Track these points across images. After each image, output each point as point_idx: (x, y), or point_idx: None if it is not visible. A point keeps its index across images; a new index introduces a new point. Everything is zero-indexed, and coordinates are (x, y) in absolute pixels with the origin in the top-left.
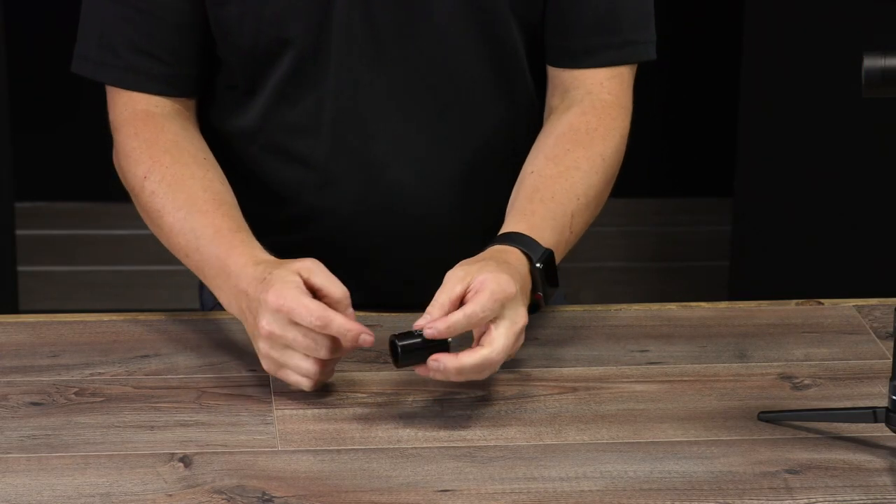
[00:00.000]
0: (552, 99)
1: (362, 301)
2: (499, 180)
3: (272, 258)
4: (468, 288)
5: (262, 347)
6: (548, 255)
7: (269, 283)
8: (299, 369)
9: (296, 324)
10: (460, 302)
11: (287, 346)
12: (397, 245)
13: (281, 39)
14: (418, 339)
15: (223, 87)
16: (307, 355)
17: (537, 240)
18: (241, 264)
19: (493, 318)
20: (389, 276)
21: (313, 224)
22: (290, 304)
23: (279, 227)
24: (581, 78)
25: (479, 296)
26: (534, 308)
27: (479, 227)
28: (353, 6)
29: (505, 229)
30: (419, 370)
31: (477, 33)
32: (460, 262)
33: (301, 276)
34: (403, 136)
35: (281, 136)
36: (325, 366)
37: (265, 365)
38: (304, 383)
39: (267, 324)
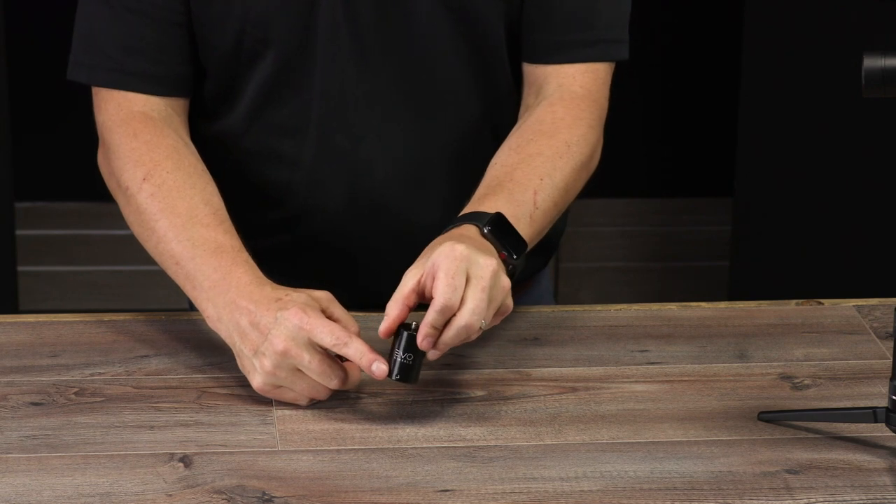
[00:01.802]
0: (527, 97)
1: (352, 301)
2: (483, 176)
3: (274, 283)
4: (423, 276)
5: (266, 365)
6: (495, 217)
7: (289, 303)
8: (303, 391)
9: (313, 347)
10: (420, 293)
11: (296, 369)
12: (386, 244)
13: (265, 40)
14: (405, 356)
15: (207, 88)
16: (316, 382)
17: (486, 211)
18: (245, 282)
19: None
20: (378, 275)
21: (301, 225)
22: (313, 322)
23: (267, 229)
24: (554, 73)
25: (437, 284)
26: (512, 274)
27: None
28: (337, 6)
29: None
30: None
31: (459, 32)
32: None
33: (320, 305)
34: (389, 135)
35: (268, 138)
36: (329, 392)
37: (259, 381)
38: (302, 401)
39: (283, 341)
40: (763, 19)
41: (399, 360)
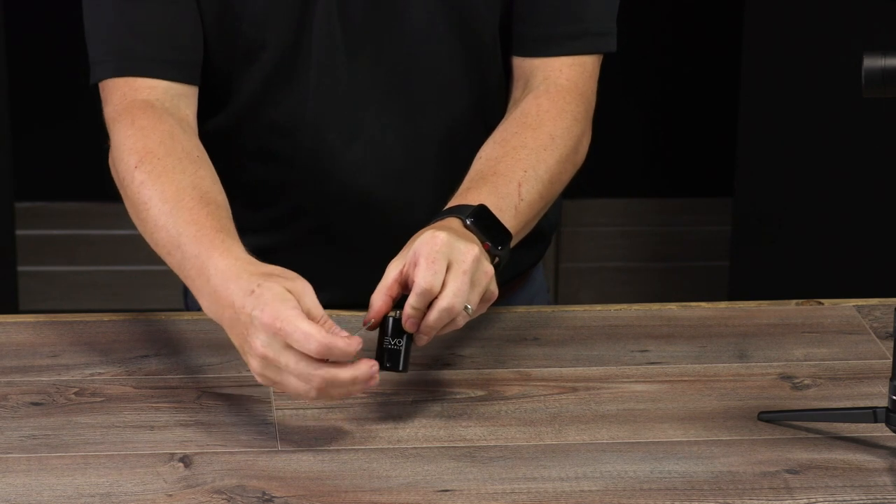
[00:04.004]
0: (515, 91)
1: (346, 300)
2: None
3: (253, 260)
4: (405, 266)
5: (255, 366)
6: (478, 209)
7: (262, 300)
8: (297, 390)
9: (290, 349)
10: (403, 283)
11: (282, 370)
12: (379, 241)
13: (260, 40)
14: (394, 342)
15: (203, 87)
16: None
17: (469, 203)
18: (222, 269)
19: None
20: (372, 272)
21: (294, 223)
22: (288, 327)
23: (261, 227)
24: (541, 66)
25: (417, 269)
26: (497, 265)
27: None
28: (332, 7)
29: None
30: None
31: (453, 29)
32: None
33: (293, 295)
34: (382, 132)
35: (263, 136)
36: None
37: (259, 379)
38: (305, 397)
39: (262, 346)
40: (763, 19)
41: (388, 346)
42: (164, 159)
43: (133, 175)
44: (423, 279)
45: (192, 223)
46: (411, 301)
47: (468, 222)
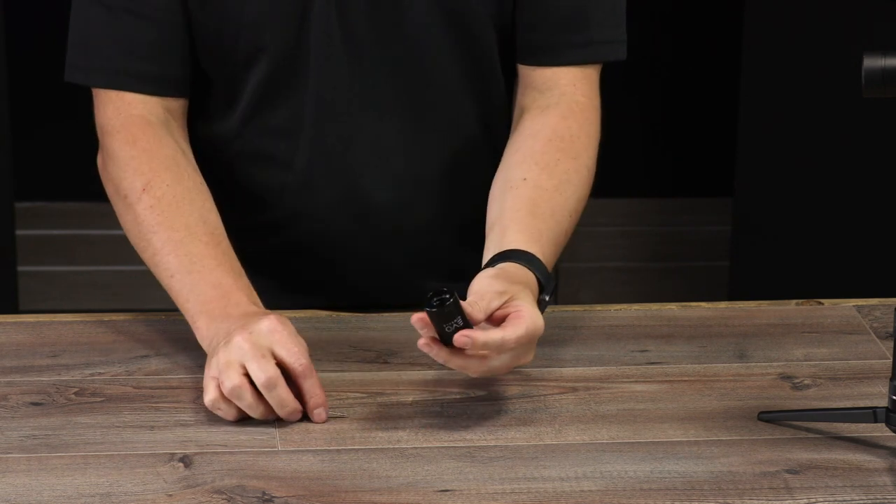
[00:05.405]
0: (523, 98)
1: (344, 303)
2: (476, 178)
3: (252, 312)
4: (504, 305)
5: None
6: (551, 286)
7: (213, 362)
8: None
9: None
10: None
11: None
12: (377, 246)
13: (259, 44)
14: (457, 320)
15: (203, 91)
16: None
17: (546, 265)
18: (235, 302)
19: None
20: (370, 277)
21: (293, 228)
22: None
23: (259, 231)
24: (553, 78)
25: (518, 328)
26: None
27: (458, 224)
28: (330, 10)
29: (517, 243)
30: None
31: (452, 34)
32: (492, 273)
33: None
34: (381, 138)
35: (262, 140)
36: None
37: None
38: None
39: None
40: (763, 19)
41: (452, 328)
42: (172, 187)
43: (140, 197)
44: (516, 339)
45: (210, 257)
46: (490, 340)
47: (545, 299)
